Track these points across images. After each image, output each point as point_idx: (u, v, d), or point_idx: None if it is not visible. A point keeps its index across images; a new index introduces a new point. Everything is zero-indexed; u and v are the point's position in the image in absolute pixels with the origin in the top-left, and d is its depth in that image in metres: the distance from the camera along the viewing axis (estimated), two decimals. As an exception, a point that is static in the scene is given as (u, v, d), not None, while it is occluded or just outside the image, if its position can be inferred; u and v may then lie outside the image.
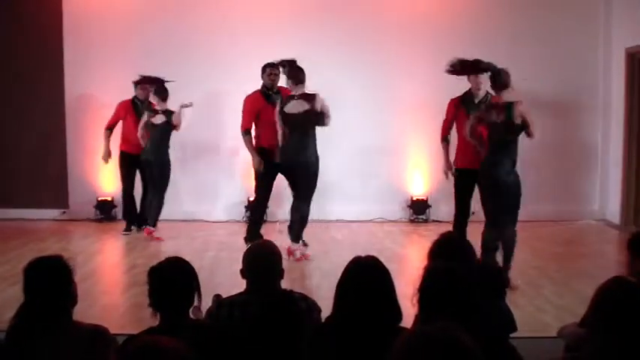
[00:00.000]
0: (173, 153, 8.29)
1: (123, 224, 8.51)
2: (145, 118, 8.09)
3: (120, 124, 8.56)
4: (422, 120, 9.13)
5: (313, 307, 3.32)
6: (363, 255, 3.05)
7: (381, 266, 2.99)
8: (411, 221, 9.21)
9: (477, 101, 6.59)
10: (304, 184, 6.99)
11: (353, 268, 2.99)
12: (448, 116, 6.86)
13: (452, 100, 6.85)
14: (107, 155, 8.51)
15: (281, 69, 7.26)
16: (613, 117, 9.09)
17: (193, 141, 9.12)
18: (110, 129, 8.51)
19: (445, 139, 6.91)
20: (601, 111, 9.30)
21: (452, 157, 6.86)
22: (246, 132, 7.30)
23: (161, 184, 8.08)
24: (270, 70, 7.33)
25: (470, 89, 6.68)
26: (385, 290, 2.92)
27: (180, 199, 8.89)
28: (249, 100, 7.34)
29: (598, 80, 9.28)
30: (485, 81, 6.41)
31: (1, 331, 2.98)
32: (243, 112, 7.34)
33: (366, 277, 2.93)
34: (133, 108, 8.45)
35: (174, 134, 8.09)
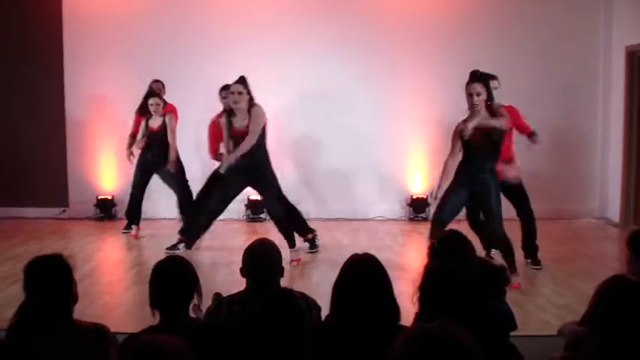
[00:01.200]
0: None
1: (123, 223, 8.50)
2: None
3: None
4: (422, 119, 9.15)
5: (313, 306, 3.32)
6: (360, 253, 3.06)
7: (377, 264, 2.99)
8: (411, 220, 9.21)
9: None
10: None
11: (349, 265, 2.99)
12: None
13: None
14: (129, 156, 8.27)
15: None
16: (613, 115, 9.08)
17: (193, 139, 9.11)
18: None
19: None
20: (601, 109, 9.29)
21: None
22: None
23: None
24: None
25: None
26: (381, 288, 2.92)
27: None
28: None
29: (598, 78, 9.27)
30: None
31: (1, 330, 2.98)
32: None
33: (361, 274, 2.93)
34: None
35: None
